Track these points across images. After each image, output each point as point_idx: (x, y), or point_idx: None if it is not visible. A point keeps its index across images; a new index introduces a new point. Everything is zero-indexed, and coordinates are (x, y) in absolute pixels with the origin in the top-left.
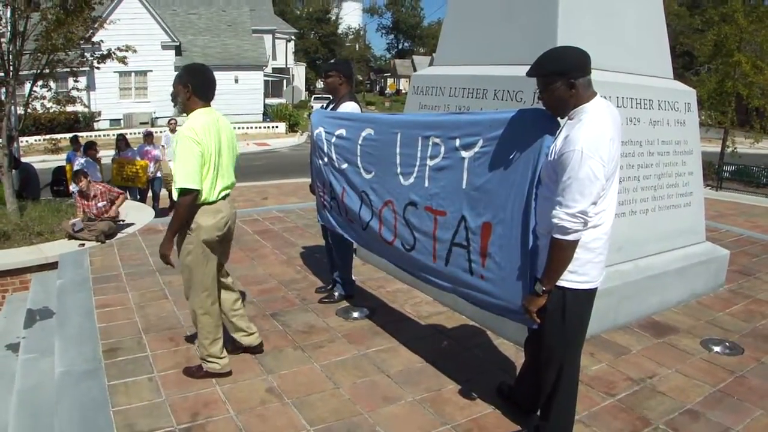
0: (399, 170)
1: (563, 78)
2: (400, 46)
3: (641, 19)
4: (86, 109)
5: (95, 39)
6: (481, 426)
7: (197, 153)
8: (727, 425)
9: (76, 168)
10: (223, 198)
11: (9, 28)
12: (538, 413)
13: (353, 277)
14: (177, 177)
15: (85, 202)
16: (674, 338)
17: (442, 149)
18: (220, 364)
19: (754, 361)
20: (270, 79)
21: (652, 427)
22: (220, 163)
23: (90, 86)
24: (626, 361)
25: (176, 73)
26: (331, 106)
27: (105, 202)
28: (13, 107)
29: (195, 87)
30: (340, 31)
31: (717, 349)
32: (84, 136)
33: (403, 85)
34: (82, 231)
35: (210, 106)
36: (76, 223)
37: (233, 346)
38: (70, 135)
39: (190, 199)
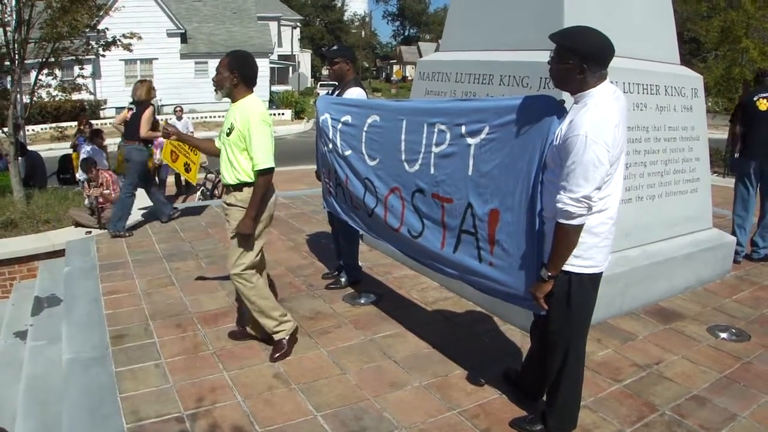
0: (404, 157)
1: (578, 59)
2: (406, 33)
3: (648, 4)
4: (92, 97)
5: (100, 27)
6: (488, 411)
7: (270, 135)
8: (734, 411)
9: (83, 156)
10: None
11: (14, 16)
12: (545, 399)
13: (360, 263)
14: (259, 158)
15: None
16: (681, 324)
17: (448, 136)
18: (290, 318)
19: (760, 348)
20: (276, 66)
21: (659, 413)
22: None
23: (96, 74)
24: (633, 347)
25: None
26: (336, 92)
27: (110, 191)
28: (19, 95)
29: (242, 75)
30: (345, 18)
31: (723, 335)
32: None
33: (409, 71)
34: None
35: (253, 92)
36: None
37: (242, 334)
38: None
39: (271, 177)
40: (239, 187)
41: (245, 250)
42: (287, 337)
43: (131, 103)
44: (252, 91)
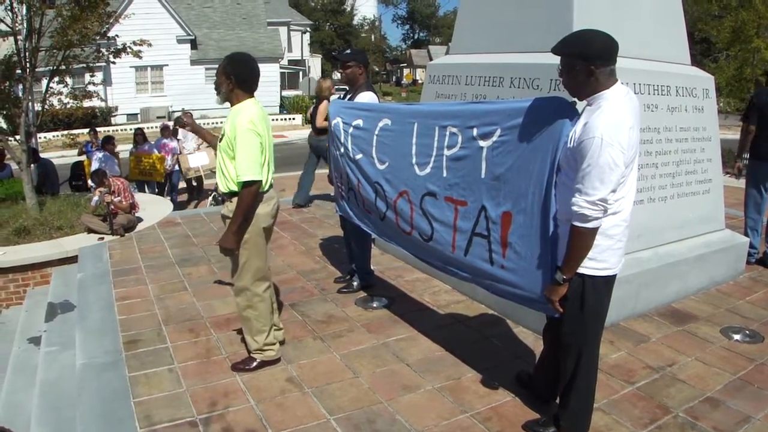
0: (414, 160)
1: (584, 63)
2: (415, 36)
3: (658, 4)
4: (103, 104)
5: (110, 34)
6: (501, 414)
7: (258, 144)
8: (747, 413)
9: (94, 164)
10: (271, 186)
11: (25, 25)
12: (558, 401)
13: (372, 267)
14: (240, 169)
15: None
16: (694, 326)
17: (460, 139)
18: (275, 350)
19: None
20: (286, 71)
21: (672, 415)
22: (270, 152)
23: (106, 81)
24: (646, 349)
25: (217, 65)
26: (348, 96)
27: (121, 198)
28: (30, 103)
29: (238, 78)
30: (355, 22)
31: (737, 337)
32: (102, 130)
33: (420, 75)
34: (101, 205)
35: (254, 97)
36: (94, 200)
37: None
38: (88, 129)
39: (255, 190)
40: (230, 196)
41: (242, 265)
42: (261, 361)
43: (313, 98)
44: (251, 96)
